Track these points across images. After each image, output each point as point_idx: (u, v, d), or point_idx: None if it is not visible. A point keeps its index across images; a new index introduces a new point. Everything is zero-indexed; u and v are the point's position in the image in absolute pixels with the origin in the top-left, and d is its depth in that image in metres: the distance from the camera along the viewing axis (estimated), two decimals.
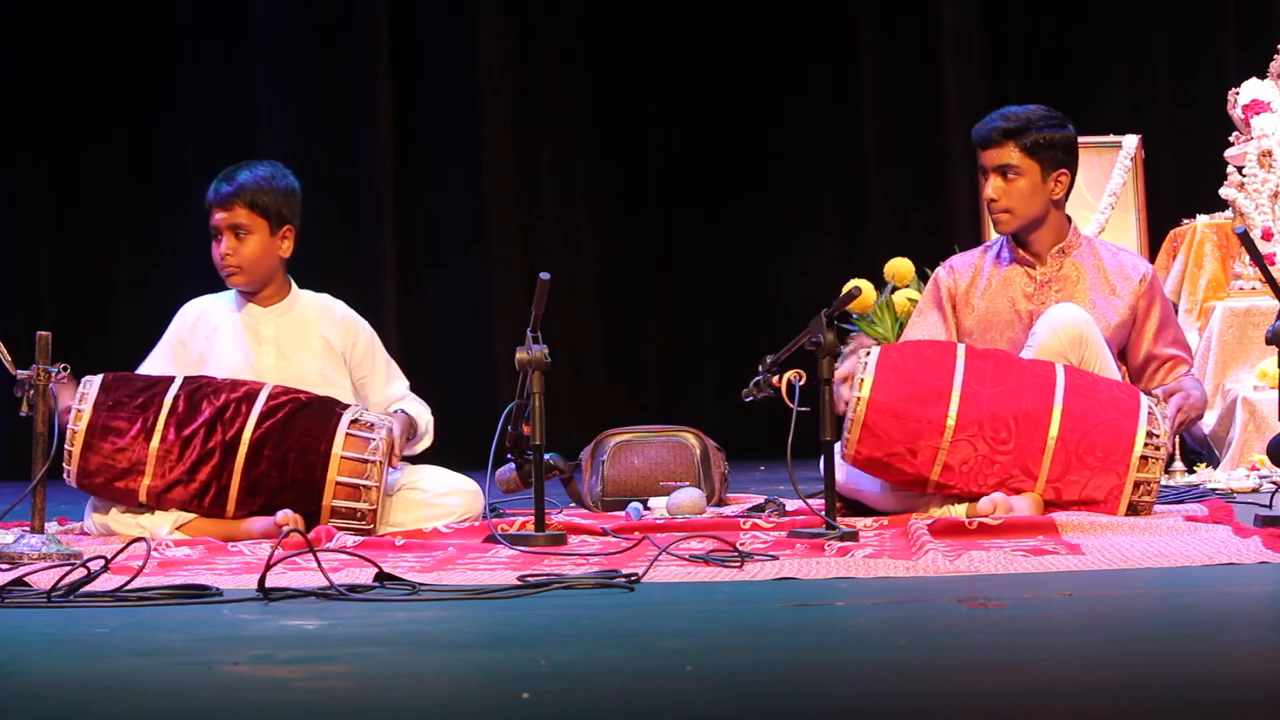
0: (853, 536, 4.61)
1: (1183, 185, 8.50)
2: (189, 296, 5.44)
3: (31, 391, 4.55)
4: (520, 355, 4.75)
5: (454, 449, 5.79)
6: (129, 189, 8.78)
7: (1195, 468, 6.32)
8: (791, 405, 4.77)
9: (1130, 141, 7.42)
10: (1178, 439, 5.93)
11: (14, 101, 8.70)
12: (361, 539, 4.83)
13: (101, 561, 3.91)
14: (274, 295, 5.35)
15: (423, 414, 5.36)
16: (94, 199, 8.75)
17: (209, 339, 5.33)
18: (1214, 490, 5.89)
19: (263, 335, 5.32)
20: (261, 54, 8.87)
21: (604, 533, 4.88)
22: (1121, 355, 5.52)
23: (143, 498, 5.02)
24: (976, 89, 9.03)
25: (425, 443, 5.37)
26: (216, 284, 5.39)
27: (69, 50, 8.74)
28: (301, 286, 5.42)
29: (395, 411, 5.27)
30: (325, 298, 5.44)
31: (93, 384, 5.06)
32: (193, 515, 5.02)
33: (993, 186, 5.42)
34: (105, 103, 8.76)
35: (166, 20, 8.83)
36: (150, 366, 5.35)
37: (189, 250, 7.93)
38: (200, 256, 5.34)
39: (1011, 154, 5.40)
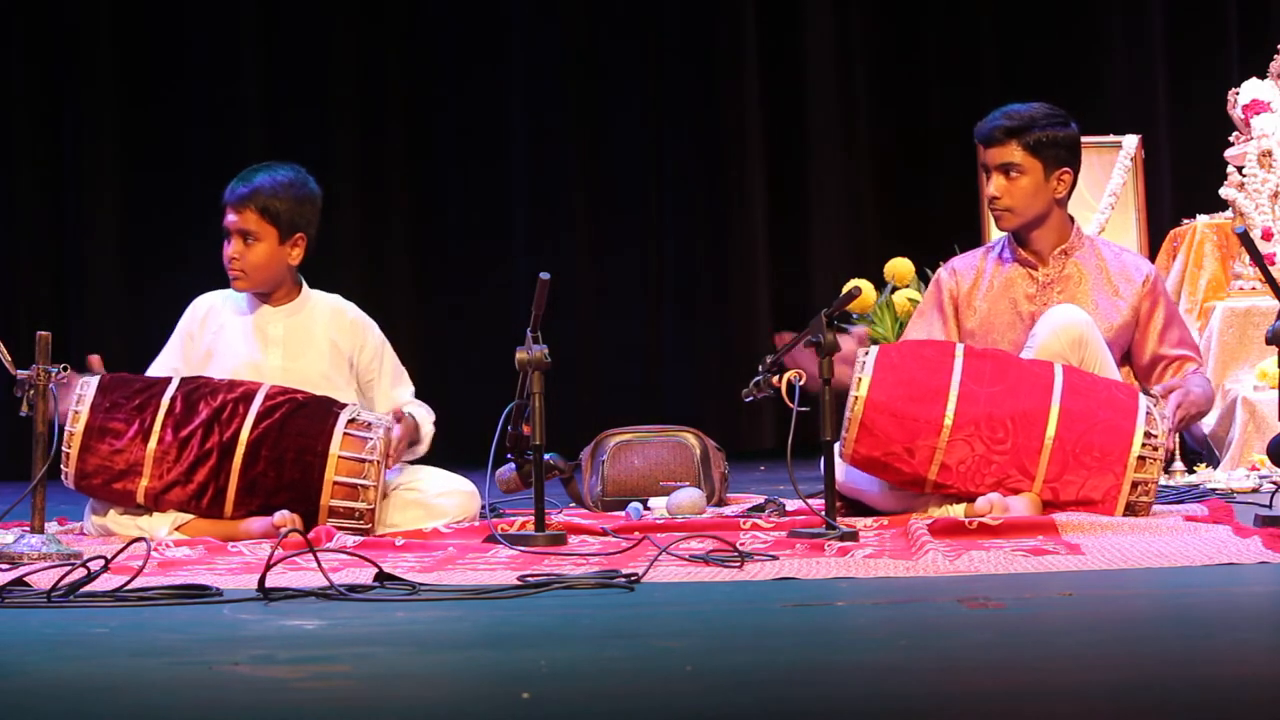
0: (853, 536, 4.61)
1: (1183, 185, 8.50)
2: (189, 296, 5.44)
3: (31, 391, 4.55)
4: (520, 355, 4.75)
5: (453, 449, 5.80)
6: (129, 189, 8.77)
7: (1195, 468, 6.32)
8: (791, 405, 4.77)
9: (1130, 141, 7.42)
10: (1178, 438, 5.92)
11: (13, 101, 8.69)
12: (360, 539, 4.83)
13: (101, 561, 3.91)
14: (284, 296, 5.35)
15: (425, 421, 5.34)
16: (94, 199, 8.74)
17: (217, 335, 5.33)
18: (1214, 490, 5.89)
19: (270, 335, 5.32)
20: (263, 53, 8.86)
21: (604, 533, 4.88)
22: (1127, 357, 5.52)
23: (140, 499, 5.02)
24: (979, 87, 9.02)
25: (421, 449, 5.35)
26: (218, 284, 5.38)
27: (67, 49, 8.73)
28: (312, 285, 5.41)
29: (405, 415, 5.25)
30: (336, 299, 5.43)
31: (90, 385, 5.05)
32: (191, 516, 5.02)
33: (994, 185, 5.42)
34: (105, 102, 8.75)
35: (167, 18, 8.82)
36: (162, 360, 5.35)
37: (189, 250, 7.93)
38: (200, 257, 5.34)
39: (1014, 152, 5.40)
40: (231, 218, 5.24)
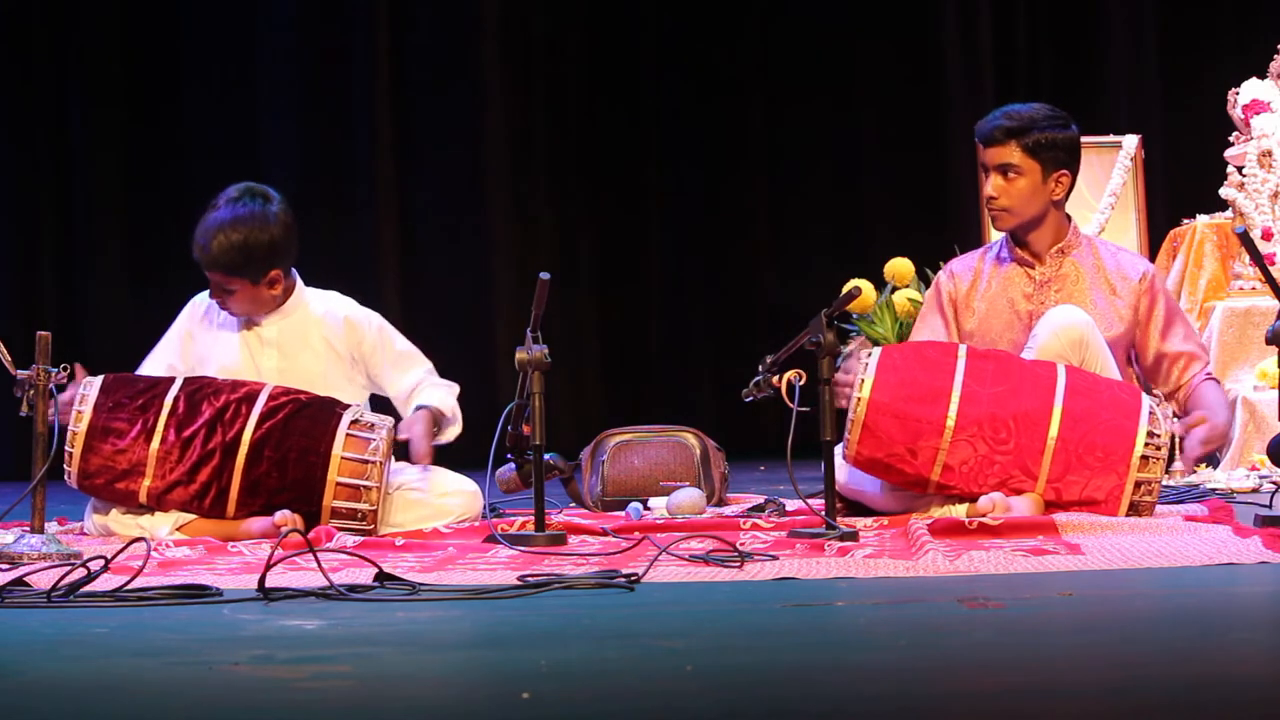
0: (853, 536, 4.61)
1: (1183, 185, 8.50)
2: (189, 297, 5.43)
3: (31, 391, 4.55)
4: (520, 355, 4.75)
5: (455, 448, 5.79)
6: (130, 190, 8.77)
7: (1195, 468, 6.32)
8: (791, 405, 4.77)
9: (1130, 141, 7.42)
10: (1177, 440, 5.92)
11: (15, 101, 8.69)
12: (361, 539, 4.83)
13: (101, 561, 3.91)
14: (279, 300, 5.34)
15: (445, 400, 5.32)
16: (95, 200, 8.74)
17: (215, 335, 5.33)
18: (1214, 490, 5.89)
19: (265, 337, 5.32)
20: (263, 53, 8.86)
21: (604, 533, 4.88)
22: (1134, 358, 5.51)
23: (143, 499, 5.02)
24: (978, 88, 9.03)
25: (455, 429, 5.35)
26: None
27: (70, 50, 8.74)
28: (307, 279, 5.41)
29: (416, 408, 5.25)
30: (332, 297, 5.42)
31: (93, 385, 5.06)
32: (193, 516, 5.02)
33: (993, 184, 5.42)
34: (105, 102, 8.76)
35: (165, 18, 8.82)
36: (157, 356, 5.35)
37: (190, 251, 7.92)
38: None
39: (1013, 153, 5.40)
40: (206, 272, 5.25)
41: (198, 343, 5.34)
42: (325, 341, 5.34)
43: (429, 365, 5.41)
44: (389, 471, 5.08)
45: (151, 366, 5.34)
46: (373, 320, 5.40)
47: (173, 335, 5.38)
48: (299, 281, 5.37)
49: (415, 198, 8.95)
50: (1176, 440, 5.44)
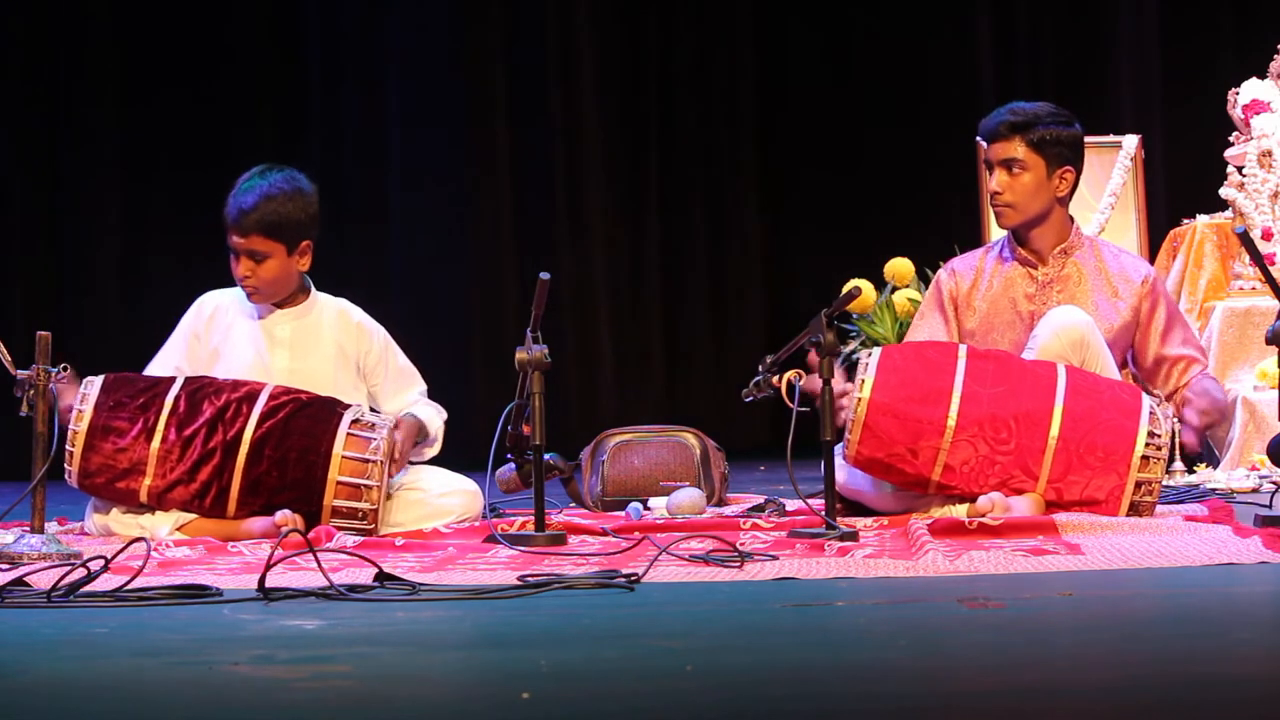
0: (853, 536, 4.61)
1: (1183, 185, 8.50)
2: (190, 297, 5.42)
3: (31, 391, 4.55)
4: (520, 355, 4.75)
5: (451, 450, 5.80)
6: (130, 188, 8.77)
7: (1195, 468, 6.32)
8: (791, 405, 4.77)
9: (1130, 141, 7.42)
10: (1176, 428, 5.91)
11: (13, 101, 8.69)
12: (362, 539, 4.83)
13: (101, 561, 3.91)
14: (292, 299, 5.34)
15: (433, 419, 5.33)
16: (95, 199, 8.74)
17: (225, 335, 5.32)
18: (1214, 490, 5.89)
19: (278, 336, 5.32)
20: (257, 53, 8.87)
21: (604, 533, 4.88)
22: (1132, 360, 5.51)
23: (144, 498, 5.02)
24: (978, 88, 9.03)
25: (434, 449, 5.35)
26: (220, 283, 5.37)
27: (68, 47, 8.73)
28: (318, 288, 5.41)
29: (402, 415, 5.26)
30: (342, 303, 5.42)
31: (94, 384, 5.06)
32: (193, 515, 5.02)
33: (997, 180, 5.42)
34: (103, 101, 8.75)
35: (165, 18, 8.82)
36: (163, 358, 5.34)
37: (191, 250, 7.93)
38: (202, 256, 5.32)
39: (1017, 148, 5.40)
40: (237, 239, 5.21)
41: (205, 344, 5.33)
42: (337, 345, 5.34)
43: (423, 387, 5.43)
44: (389, 471, 5.08)
45: (158, 369, 5.33)
46: (379, 332, 5.42)
47: (178, 337, 5.37)
48: (313, 286, 5.37)
49: (416, 204, 8.94)
50: (1176, 435, 5.44)
